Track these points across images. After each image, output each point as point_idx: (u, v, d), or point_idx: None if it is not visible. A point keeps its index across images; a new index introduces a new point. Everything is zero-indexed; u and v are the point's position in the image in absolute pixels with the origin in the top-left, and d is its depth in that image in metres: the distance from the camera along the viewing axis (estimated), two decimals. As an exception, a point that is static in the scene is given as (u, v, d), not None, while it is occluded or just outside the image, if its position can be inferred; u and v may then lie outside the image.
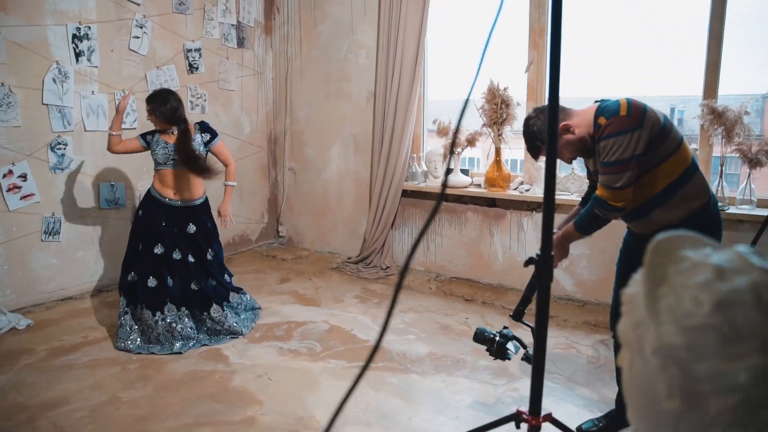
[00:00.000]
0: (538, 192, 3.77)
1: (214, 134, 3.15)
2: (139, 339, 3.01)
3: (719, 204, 2.22)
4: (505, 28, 4.47)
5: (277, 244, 5.35)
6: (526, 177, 3.97)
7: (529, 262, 1.36)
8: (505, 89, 3.74)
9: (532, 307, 1.58)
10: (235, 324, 3.17)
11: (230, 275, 3.40)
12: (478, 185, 4.09)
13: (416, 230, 4.42)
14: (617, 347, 2.12)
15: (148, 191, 3.10)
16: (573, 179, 3.72)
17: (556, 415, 1.63)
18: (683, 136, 1.89)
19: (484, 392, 2.58)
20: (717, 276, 0.55)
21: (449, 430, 2.28)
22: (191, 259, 3.07)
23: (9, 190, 3.43)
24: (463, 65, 5.01)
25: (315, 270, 4.55)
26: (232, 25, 4.75)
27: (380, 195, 4.36)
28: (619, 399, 2.16)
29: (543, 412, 1.43)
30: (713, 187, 2.87)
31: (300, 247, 5.21)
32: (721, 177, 3.19)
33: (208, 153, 3.15)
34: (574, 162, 4.00)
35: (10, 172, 3.43)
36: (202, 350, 3.01)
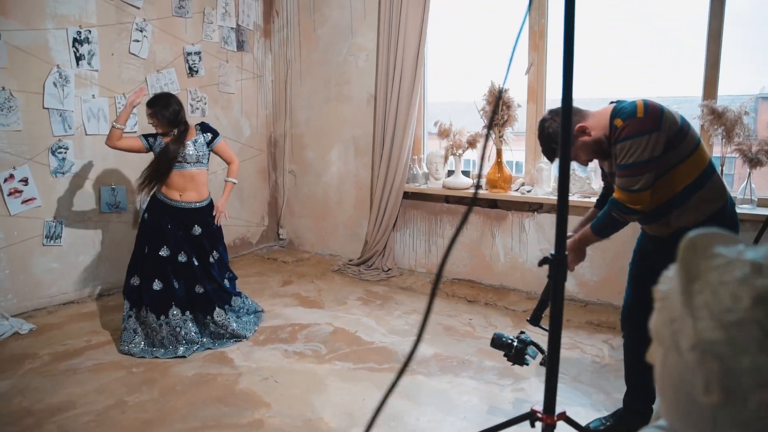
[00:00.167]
0: (539, 193, 3.79)
1: (215, 134, 3.18)
2: (142, 342, 3.00)
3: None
4: (505, 30, 4.50)
5: (278, 246, 5.35)
6: (527, 178, 3.99)
7: (544, 262, 1.37)
8: (506, 91, 3.76)
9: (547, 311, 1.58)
10: (238, 327, 3.16)
11: (235, 277, 3.39)
12: (480, 186, 4.11)
13: (418, 232, 4.43)
14: (631, 344, 2.13)
15: (153, 194, 3.10)
16: (573, 180, 3.74)
17: (565, 415, 1.64)
18: (700, 137, 1.87)
19: (490, 393, 2.59)
20: (755, 272, 0.56)
21: (457, 430, 2.29)
22: (195, 261, 3.07)
23: (10, 194, 3.42)
24: (462, 67, 5.02)
25: (316, 272, 4.55)
26: (232, 28, 4.75)
27: (381, 197, 4.37)
28: (627, 398, 2.17)
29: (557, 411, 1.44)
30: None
31: (301, 250, 5.21)
32: (721, 177, 3.21)
33: (211, 152, 3.17)
34: (574, 162, 4.02)
35: (11, 176, 3.42)
36: (206, 353, 3.01)
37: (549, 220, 3.79)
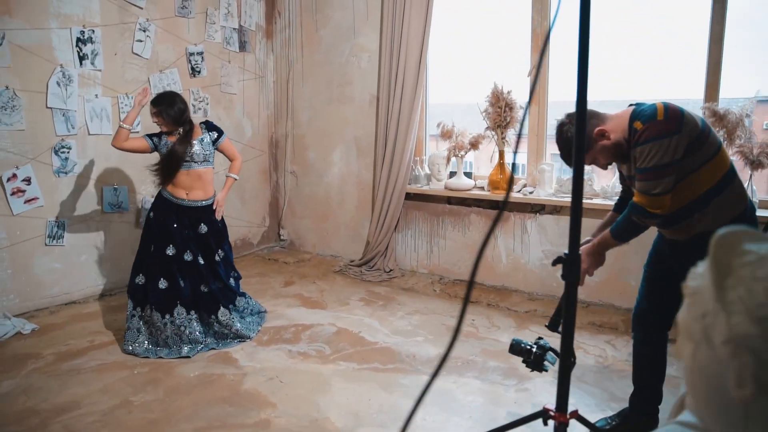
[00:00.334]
0: (541, 194, 3.80)
1: (220, 132, 3.20)
2: (146, 341, 3.00)
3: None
4: (505, 32, 4.52)
5: (279, 247, 5.35)
6: (529, 180, 4.00)
7: (557, 261, 1.38)
8: (508, 93, 3.78)
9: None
10: (241, 327, 3.16)
11: (239, 276, 3.40)
12: (482, 188, 4.12)
13: (420, 233, 4.44)
14: (642, 346, 2.13)
15: (159, 193, 3.09)
16: (576, 181, 3.75)
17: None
18: (721, 141, 1.84)
19: (495, 393, 2.60)
20: (788, 268, 0.57)
21: (463, 430, 2.29)
22: (201, 260, 3.07)
23: (13, 193, 3.41)
24: (462, 68, 5.04)
25: (318, 273, 4.55)
26: (234, 28, 4.75)
27: (384, 198, 4.38)
28: (634, 398, 2.18)
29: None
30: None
31: (302, 251, 5.21)
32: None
33: (215, 150, 3.18)
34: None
35: (14, 175, 3.41)
36: (210, 354, 3.01)
37: (551, 221, 3.81)
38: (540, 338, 1.94)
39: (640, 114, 1.78)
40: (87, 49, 3.71)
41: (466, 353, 3.00)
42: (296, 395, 2.56)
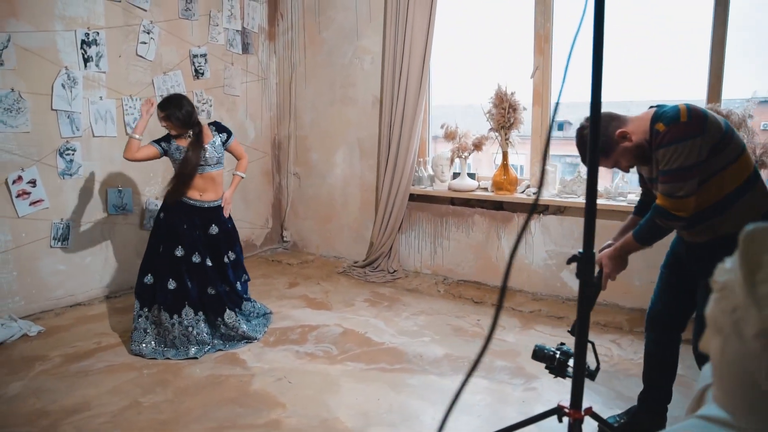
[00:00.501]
0: (545, 195, 3.82)
1: (229, 133, 3.22)
2: (153, 342, 3.00)
3: None
4: (511, 34, 4.54)
5: (282, 249, 5.36)
6: (532, 180, 4.02)
7: (572, 259, 1.39)
8: (512, 94, 3.80)
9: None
10: (248, 329, 3.17)
11: (248, 279, 3.42)
12: (485, 189, 4.14)
13: (423, 234, 4.45)
14: (655, 346, 2.14)
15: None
16: (579, 182, 3.78)
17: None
18: (745, 143, 1.82)
19: (503, 392, 2.61)
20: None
21: (472, 429, 2.31)
22: (209, 263, 3.07)
23: (18, 195, 3.41)
24: (466, 70, 5.06)
25: (322, 274, 4.56)
26: (237, 30, 4.77)
27: (388, 199, 4.39)
28: (643, 396, 2.20)
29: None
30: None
31: (305, 252, 5.22)
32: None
33: (224, 151, 3.20)
34: (582, 165, 4.04)
35: (20, 177, 3.41)
36: (217, 355, 3.01)
37: (554, 221, 3.83)
38: (562, 344, 1.91)
39: (663, 116, 1.76)
40: (92, 51, 3.72)
41: (473, 353, 3.02)
42: (305, 395, 2.57)
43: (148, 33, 4.05)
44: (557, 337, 3.25)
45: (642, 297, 3.39)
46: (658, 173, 1.79)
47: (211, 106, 4.58)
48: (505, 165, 3.95)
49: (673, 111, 1.74)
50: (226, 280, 3.15)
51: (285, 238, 5.38)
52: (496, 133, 3.91)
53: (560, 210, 3.81)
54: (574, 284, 3.79)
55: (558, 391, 2.59)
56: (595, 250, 1.46)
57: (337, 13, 4.74)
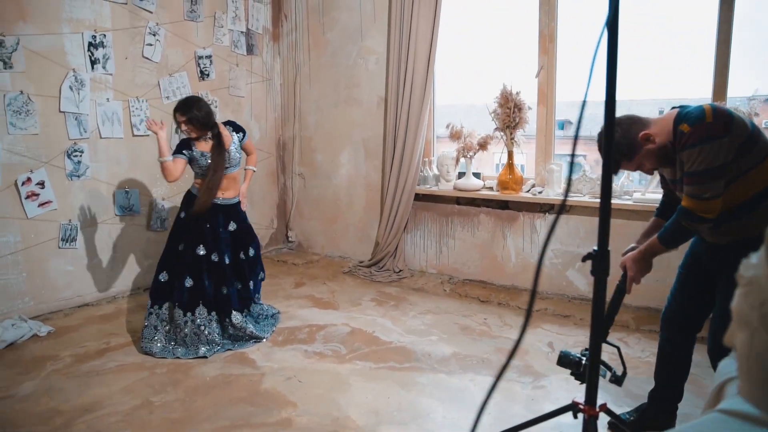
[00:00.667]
0: (550, 194, 3.84)
1: (244, 132, 3.26)
2: (163, 339, 3.02)
3: None
4: (515, 33, 4.56)
5: (287, 249, 5.37)
6: (537, 180, 4.04)
7: (588, 257, 1.41)
8: (517, 94, 3.82)
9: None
10: (255, 329, 3.19)
11: (263, 278, 3.48)
12: (491, 188, 4.16)
13: (429, 233, 4.47)
14: (669, 346, 2.15)
15: (189, 192, 3.12)
16: (584, 181, 3.80)
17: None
18: None
19: (512, 390, 2.62)
20: None
21: (483, 427, 2.32)
22: (227, 260, 3.11)
23: (27, 197, 3.43)
24: (470, 69, 5.07)
25: (327, 274, 4.58)
26: (242, 32, 4.79)
27: (393, 199, 4.41)
28: (654, 394, 2.21)
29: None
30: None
31: (310, 252, 5.23)
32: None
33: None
34: (584, 164, 4.06)
35: (29, 179, 3.43)
36: (226, 354, 3.03)
37: (560, 220, 3.84)
38: (587, 350, 1.91)
39: (687, 116, 1.72)
40: (98, 53, 3.73)
41: (481, 352, 3.03)
42: (315, 394, 2.59)
43: (154, 35, 4.07)
44: (564, 336, 3.27)
45: (649, 295, 3.41)
46: (684, 175, 1.76)
47: (216, 107, 4.60)
48: (510, 164, 3.96)
49: (698, 111, 1.70)
50: (242, 277, 3.19)
51: (290, 239, 5.39)
52: (502, 133, 3.93)
53: (566, 209, 3.82)
54: (580, 283, 3.80)
55: (567, 389, 2.61)
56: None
57: (341, 13, 4.76)
